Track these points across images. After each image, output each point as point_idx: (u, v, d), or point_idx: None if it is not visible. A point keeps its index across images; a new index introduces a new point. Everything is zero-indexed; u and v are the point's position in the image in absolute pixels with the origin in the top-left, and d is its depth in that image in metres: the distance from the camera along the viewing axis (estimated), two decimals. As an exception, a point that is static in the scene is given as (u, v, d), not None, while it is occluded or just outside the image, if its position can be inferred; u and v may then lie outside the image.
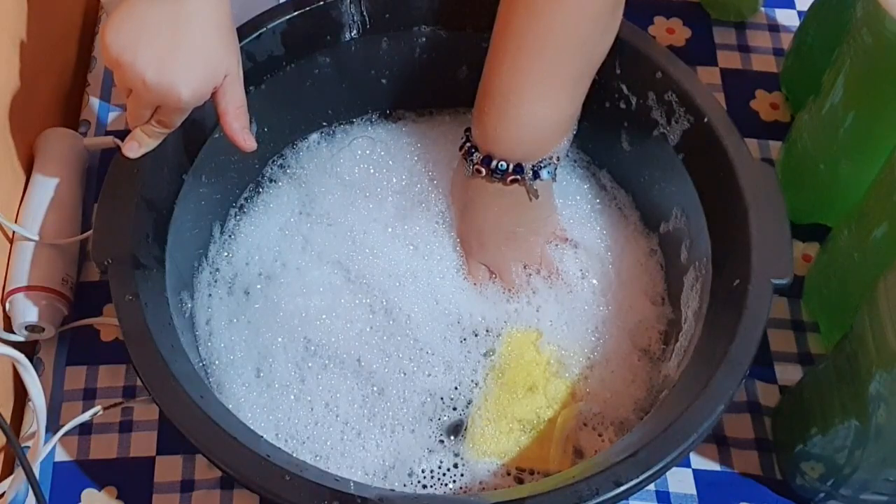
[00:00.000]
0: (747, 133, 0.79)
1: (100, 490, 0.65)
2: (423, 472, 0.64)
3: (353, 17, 0.70)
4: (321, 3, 0.69)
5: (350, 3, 0.70)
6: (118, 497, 0.65)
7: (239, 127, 0.61)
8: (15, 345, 0.66)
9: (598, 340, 0.69)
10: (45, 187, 0.72)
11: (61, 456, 0.67)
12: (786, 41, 0.87)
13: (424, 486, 0.63)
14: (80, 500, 0.65)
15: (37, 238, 0.70)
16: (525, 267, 0.70)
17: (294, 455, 0.60)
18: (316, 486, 0.52)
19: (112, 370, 0.70)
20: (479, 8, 0.69)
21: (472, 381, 0.67)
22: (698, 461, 0.67)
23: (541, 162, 0.65)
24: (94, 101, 0.83)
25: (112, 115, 0.82)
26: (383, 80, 0.76)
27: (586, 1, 0.61)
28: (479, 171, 0.66)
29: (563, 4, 0.60)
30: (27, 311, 0.67)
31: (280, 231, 0.74)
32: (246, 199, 0.75)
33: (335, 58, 0.72)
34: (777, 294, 0.58)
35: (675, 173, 0.67)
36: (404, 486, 0.63)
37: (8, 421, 0.59)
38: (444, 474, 0.64)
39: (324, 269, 0.71)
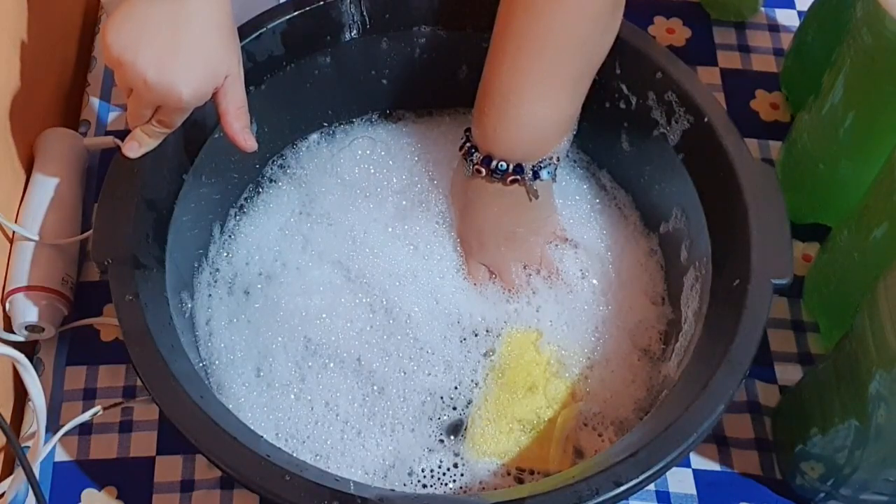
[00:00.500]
0: (747, 133, 0.79)
1: (100, 490, 0.65)
2: (422, 471, 0.64)
3: (353, 17, 0.70)
4: (321, 3, 0.69)
5: (350, 3, 0.70)
6: (118, 497, 0.65)
7: (240, 127, 0.61)
8: (15, 345, 0.66)
9: (598, 340, 0.69)
10: (45, 187, 0.72)
11: (61, 456, 0.67)
12: (786, 41, 0.87)
13: (424, 486, 0.63)
14: (80, 500, 0.65)
15: (37, 238, 0.69)
16: (525, 267, 0.70)
17: (294, 455, 0.60)
18: (316, 486, 0.52)
19: (112, 370, 0.70)
20: (479, 8, 0.69)
21: (472, 380, 0.67)
22: (698, 461, 0.67)
23: (541, 162, 0.65)
24: (94, 101, 0.83)
25: (112, 115, 0.82)
26: (383, 81, 0.76)
27: (586, 1, 0.61)
28: (478, 172, 0.66)
29: (563, 5, 0.60)
30: (27, 311, 0.67)
31: (280, 231, 0.74)
32: (246, 199, 0.75)
33: (335, 58, 0.72)
34: (777, 294, 0.58)
35: (675, 173, 0.67)
36: (404, 485, 0.63)
37: (8, 421, 0.59)
38: (443, 474, 0.64)
39: (324, 269, 0.71)
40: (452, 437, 0.65)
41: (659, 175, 0.70)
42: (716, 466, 0.67)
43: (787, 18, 0.89)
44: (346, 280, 0.71)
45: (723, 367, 0.55)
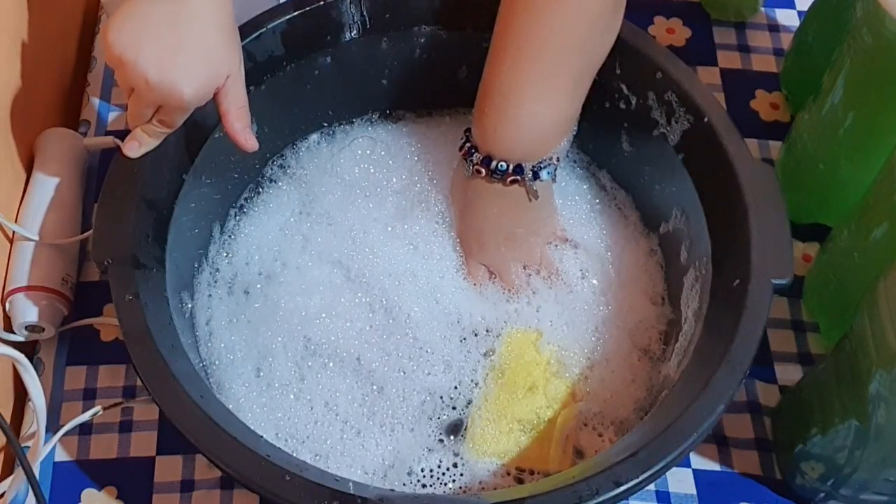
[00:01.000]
0: (747, 133, 0.79)
1: (100, 490, 0.65)
2: (422, 471, 0.64)
3: (353, 17, 0.70)
4: (321, 3, 0.69)
5: (350, 3, 0.70)
6: (118, 497, 0.65)
7: (241, 127, 0.61)
8: (15, 345, 0.66)
9: (598, 340, 0.69)
10: (45, 187, 0.72)
11: (61, 456, 0.67)
12: (786, 41, 0.87)
13: (424, 486, 0.63)
14: (79, 500, 0.65)
15: (37, 238, 0.69)
16: (525, 267, 0.70)
17: (294, 454, 0.60)
18: (316, 486, 0.52)
19: (112, 370, 0.70)
20: (480, 8, 0.69)
21: (472, 380, 0.67)
22: (698, 461, 0.67)
23: (541, 162, 0.65)
24: (94, 101, 0.83)
25: (112, 115, 0.82)
26: (383, 81, 0.76)
27: (587, 1, 0.60)
28: (478, 172, 0.66)
29: (563, 4, 0.60)
30: (27, 311, 0.67)
31: (280, 231, 0.74)
32: (246, 199, 0.75)
33: (335, 58, 0.72)
34: (777, 294, 0.58)
35: (674, 173, 0.67)
36: (404, 485, 0.63)
37: (8, 421, 0.59)
38: (443, 474, 0.64)
39: (324, 269, 0.71)
40: (452, 437, 0.65)
41: (659, 175, 0.70)
42: (716, 466, 0.67)
43: (787, 18, 0.89)
44: (346, 280, 0.71)
45: (723, 367, 0.55)
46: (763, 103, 0.84)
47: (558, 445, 0.64)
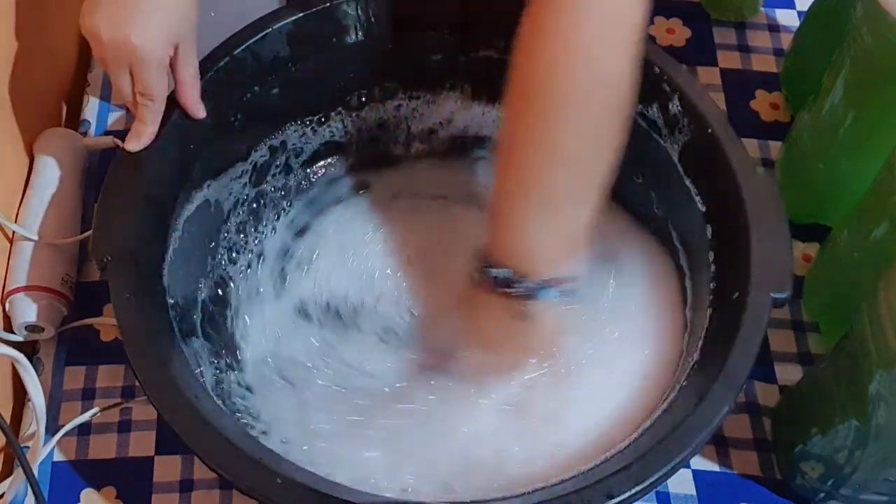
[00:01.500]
0: (747, 133, 0.79)
1: (99, 490, 0.65)
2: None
3: (358, 18, 0.70)
4: (327, 4, 0.69)
5: (356, 5, 0.70)
6: (117, 497, 0.65)
7: (194, 95, 0.64)
8: (15, 345, 0.66)
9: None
10: (45, 187, 0.72)
11: (60, 456, 0.67)
12: (786, 41, 0.87)
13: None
14: (79, 501, 0.65)
15: (36, 238, 0.69)
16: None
17: (288, 458, 0.60)
18: (307, 490, 0.52)
19: (111, 370, 0.70)
20: (488, 12, 0.69)
21: None
22: (698, 462, 0.67)
23: (540, 282, 0.60)
24: (94, 101, 0.83)
25: (112, 116, 0.82)
26: (386, 83, 0.76)
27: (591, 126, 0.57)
28: (475, 278, 0.62)
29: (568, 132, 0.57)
30: (27, 311, 0.67)
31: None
32: (246, 198, 0.75)
33: (340, 60, 0.72)
34: (776, 307, 0.58)
35: (676, 184, 0.67)
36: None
37: (7, 421, 0.59)
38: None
39: (324, 270, 0.72)
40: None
41: (660, 187, 0.70)
42: (715, 467, 0.67)
43: (787, 18, 0.89)
44: (348, 278, 0.71)
45: (719, 380, 0.55)
46: (763, 103, 0.84)
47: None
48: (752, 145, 0.81)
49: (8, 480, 0.64)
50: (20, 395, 0.70)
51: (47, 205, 0.71)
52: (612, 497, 0.51)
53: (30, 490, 0.62)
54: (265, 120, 0.72)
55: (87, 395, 0.69)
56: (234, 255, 0.72)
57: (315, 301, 0.71)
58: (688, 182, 0.66)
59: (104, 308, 0.72)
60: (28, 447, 0.65)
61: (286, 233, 0.75)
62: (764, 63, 0.86)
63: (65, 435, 0.66)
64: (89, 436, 0.67)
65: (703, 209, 0.65)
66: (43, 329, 0.68)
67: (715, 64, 0.86)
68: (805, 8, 0.85)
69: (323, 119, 0.75)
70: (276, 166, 0.75)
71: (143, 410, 0.68)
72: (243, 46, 0.67)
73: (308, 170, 0.77)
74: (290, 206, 0.76)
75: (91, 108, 0.83)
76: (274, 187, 0.75)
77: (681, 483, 0.66)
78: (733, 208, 0.62)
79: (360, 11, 0.70)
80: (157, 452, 0.67)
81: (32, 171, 0.74)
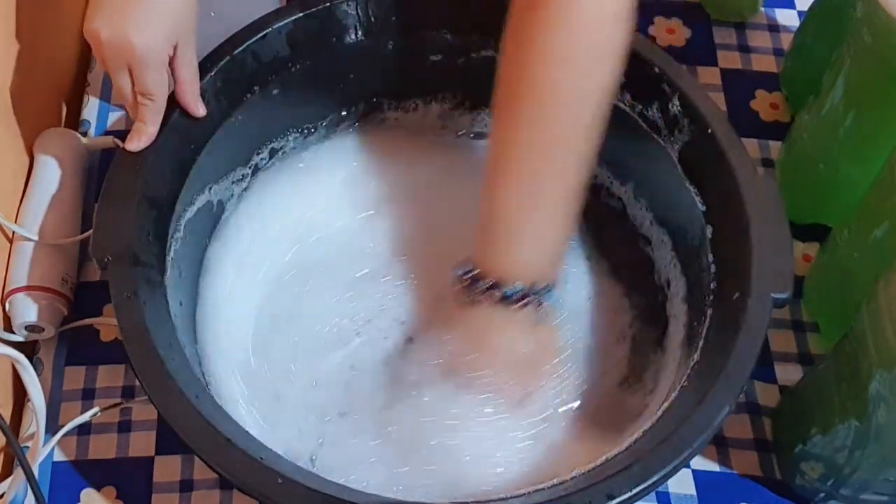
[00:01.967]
0: (747, 133, 0.79)
1: (99, 490, 0.65)
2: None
3: (358, 18, 0.70)
4: (327, 4, 0.69)
5: (356, 5, 0.70)
6: (117, 497, 0.65)
7: (193, 95, 0.64)
8: (15, 345, 0.66)
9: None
10: (45, 187, 0.72)
11: (60, 456, 0.66)
12: (786, 41, 0.87)
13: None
14: (79, 501, 0.65)
15: (36, 238, 0.69)
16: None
17: (290, 458, 0.60)
18: (308, 490, 0.52)
19: (111, 370, 0.70)
20: (486, 12, 0.68)
21: None
22: (698, 462, 0.67)
23: (544, 286, 0.62)
24: (94, 101, 0.83)
25: (112, 116, 0.82)
26: (388, 83, 0.76)
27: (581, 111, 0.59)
28: (480, 301, 0.63)
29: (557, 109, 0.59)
30: (27, 311, 0.67)
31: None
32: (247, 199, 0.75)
33: (340, 59, 0.72)
34: (777, 308, 0.58)
35: (676, 185, 0.67)
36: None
37: (7, 421, 0.59)
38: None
39: (326, 271, 0.72)
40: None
41: (660, 188, 0.70)
42: (715, 467, 0.67)
43: (787, 18, 0.89)
44: (349, 283, 0.71)
45: (719, 381, 0.55)
46: (763, 103, 0.84)
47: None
48: (752, 145, 0.81)
49: (8, 480, 0.64)
50: (20, 395, 0.70)
51: (47, 205, 0.71)
52: (612, 497, 0.51)
53: (30, 490, 0.62)
54: (266, 120, 0.72)
55: (87, 395, 0.69)
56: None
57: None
58: (688, 182, 0.66)
59: (104, 308, 0.72)
60: (28, 447, 0.65)
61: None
62: (764, 63, 0.86)
63: (65, 435, 0.66)
64: (89, 436, 0.67)
65: (703, 209, 0.65)
66: (43, 329, 0.68)
67: (715, 64, 0.86)
68: (805, 8, 0.85)
69: (323, 121, 0.76)
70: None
71: (143, 410, 0.68)
72: (243, 46, 0.67)
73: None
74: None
75: (91, 108, 0.83)
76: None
77: (681, 483, 0.66)
78: (733, 208, 0.62)
79: (360, 11, 0.70)
80: (157, 452, 0.67)
81: (32, 171, 0.73)
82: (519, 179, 0.61)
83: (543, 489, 0.56)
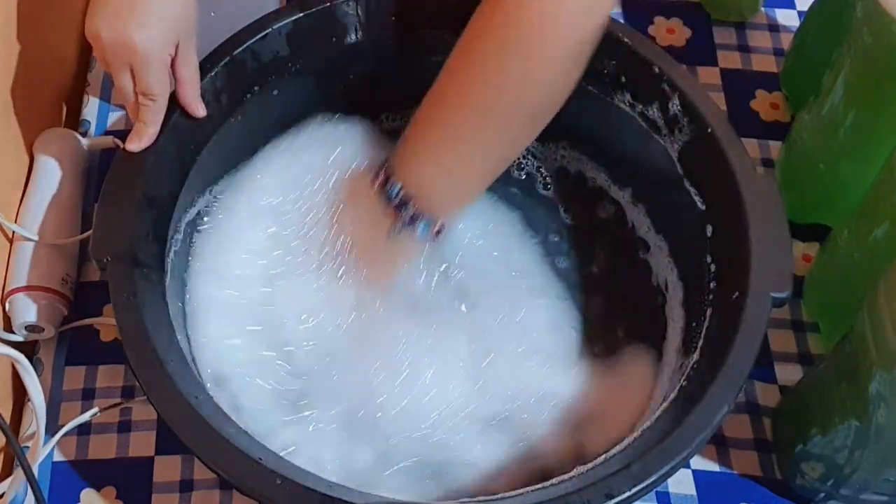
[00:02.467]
0: (747, 133, 0.79)
1: (99, 490, 0.65)
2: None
3: (358, 19, 0.70)
4: (327, 4, 0.69)
5: (356, 5, 0.70)
6: (117, 497, 0.65)
7: (194, 96, 0.64)
8: (15, 345, 0.66)
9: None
10: (45, 187, 0.72)
11: (60, 456, 0.67)
12: (786, 41, 0.87)
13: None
14: (79, 501, 0.65)
15: (36, 238, 0.70)
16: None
17: (290, 458, 0.60)
18: (307, 490, 0.52)
19: (111, 370, 0.70)
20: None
21: None
22: (698, 462, 0.67)
23: (424, 216, 0.64)
24: (94, 101, 0.83)
25: (112, 116, 0.82)
26: (388, 83, 0.76)
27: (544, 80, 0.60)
28: (374, 183, 0.65)
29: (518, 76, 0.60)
30: (27, 311, 0.67)
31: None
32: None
33: (340, 59, 0.72)
34: (776, 307, 0.58)
35: (675, 185, 0.67)
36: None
37: (7, 421, 0.59)
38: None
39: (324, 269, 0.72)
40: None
41: (659, 184, 0.70)
42: (715, 467, 0.67)
43: (787, 18, 0.89)
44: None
45: (719, 380, 0.55)
46: (763, 103, 0.84)
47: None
48: (752, 145, 0.81)
49: (8, 480, 0.64)
50: (20, 395, 0.70)
51: (47, 205, 0.71)
52: (611, 497, 0.51)
53: (30, 490, 0.62)
54: (266, 120, 0.72)
55: (87, 395, 0.69)
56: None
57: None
58: (687, 182, 0.66)
59: (104, 308, 0.72)
60: (28, 447, 0.65)
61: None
62: (764, 63, 0.86)
63: (65, 435, 0.66)
64: (89, 436, 0.67)
65: (703, 209, 0.65)
66: (43, 329, 0.68)
67: (715, 64, 0.86)
68: (805, 8, 0.85)
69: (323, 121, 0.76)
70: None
71: (143, 410, 0.68)
72: (243, 46, 0.67)
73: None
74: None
75: (91, 108, 0.83)
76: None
77: (681, 483, 0.66)
78: (733, 208, 0.62)
79: (360, 11, 0.70)
80: (157, 452, 0.67)
81: (32, 171, 0.74)
82: (451, 117, 0.62)
83: (543, 488, 0.56)
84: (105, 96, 0.83)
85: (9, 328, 0.68)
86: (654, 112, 0.68)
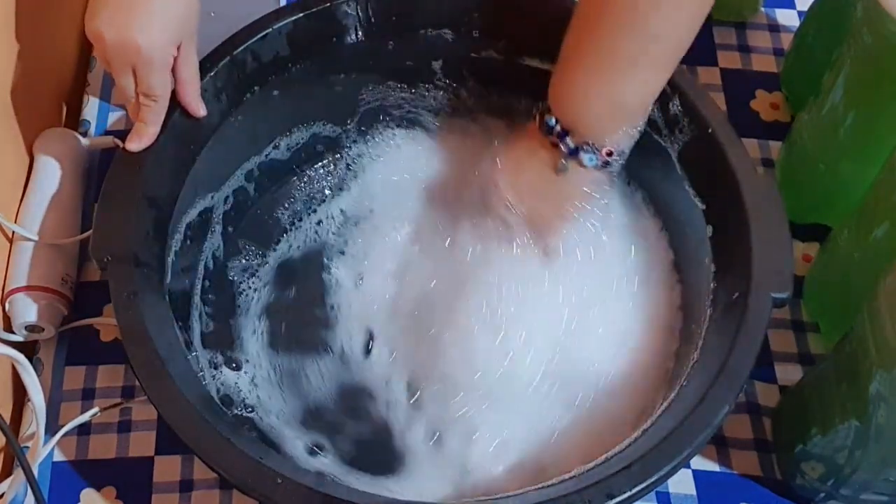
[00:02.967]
0: (747, 133, 0.79)
1: (99, 490, 0.65)
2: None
3: (358, 19, 0.70)
4: (327, 4, 0.69)
5: (356, 5, 0.70)
6: (117, 497, 0.65)
7: (195, 95, 0.64)
8: (15, 345, 0.66)
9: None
10: (45, 187, 0.72)
11: (60, 456, 0.67)
12: (786, 41, 0.87)
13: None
14: (79, 501, 0.65)
15: (36, 238, 0.69)
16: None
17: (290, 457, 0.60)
18: (307, 490, 0.52)
19: (111, 370, 0.70)
20: (487, 12, 0.68)
21: None
22: (698, 462, 0.67)
23: (586, 144, 0.63)
24: (94, 101, 0.83)
25: (112, 116, 0.82)
26: (388, 83, 0.76)
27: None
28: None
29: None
30: (27, 311, 0.67)
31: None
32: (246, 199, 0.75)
33: (340, 60, 0.72)
34: (777, 308, 0.58)
35: (676, 185, 0.67)
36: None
37: (7, 421, 0.59)
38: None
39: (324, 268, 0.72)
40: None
41: (661, 187, 0.70)
42: (715, 467, 0.67)
43: (787, 18, 0.89)
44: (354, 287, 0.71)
45: (719, 380, 0.55)
46: (763, 103, 0.84)
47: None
48: (752, 145, 0.81)
49: (8, 480, 0.64)
50: (20, 395, 0.70)
51: (47, 205, 0.71)
52: (612, 497, 0.51)
53: (30, 490, 0.62)
54: (266, 121, 0.72)
55: (87, 395, 0.69)
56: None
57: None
58: (687, 182, 0.66)
59: (104, 308, 0.72)
60: (28, 447, 0.65)
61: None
62: (764, 63, 0.86)
63: (65, 435, 0.66)
64: (89, 436, 0.67)
65: (703, 209, 0.65)
66: (43, 329, 0.68)
67: (715, 64, 0.86)
68: (805, 8, 0.85)
69: (324, 122, 0.76)
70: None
71: (143, 410, 0.68)
72: (243, 46, 0.67)
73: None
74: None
75: (91, 108, 0.83)
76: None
77: (681, 483, 0.66)
78: (733, 208, 0.61)
79: (360, 11, 0.70)
80: (157, 452, 0.67)
81: (32, 170, 0.74)
82: (598, 44, 0.60)
83: (543, 488, 0.56)
84: (105, 96, 0.83)
85: (9, 328, 0.68)
86: (654, 112, 0.68)
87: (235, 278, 0.72)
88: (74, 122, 0.83)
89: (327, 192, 0.77)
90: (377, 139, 0.77)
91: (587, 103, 0.62)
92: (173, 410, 0.54)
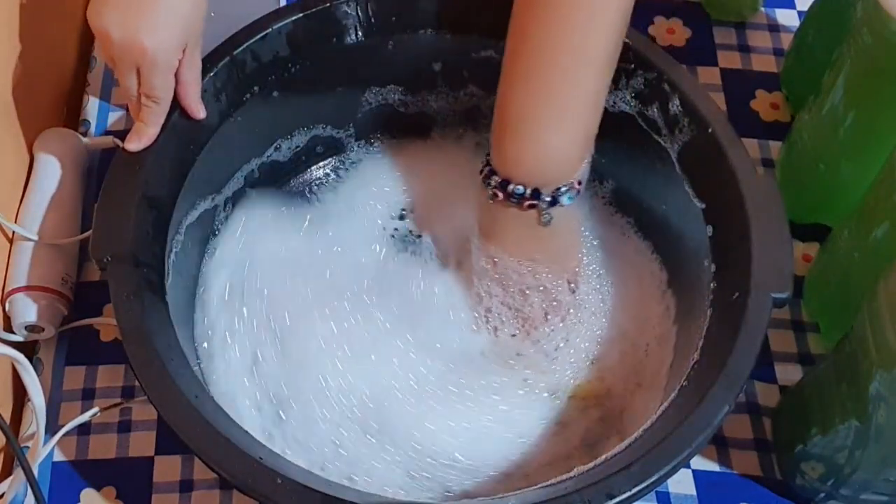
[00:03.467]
0: (747, 133, 0.79)
1: (99, 490, 0.65)
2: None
3: (358, 19, 0.70)
4: (327, 4, 0.69)
5: (356, 5, 0.70)
6: (117, 497, 0.65)
7: (196, 97, 0.64)
8: (14, 345, 0.66)
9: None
10: (45, 187, 0.72)
11: (60, 456, 0.67)
12: (786, 41, 0.87)
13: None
14: (79, 501, 0.65)
15: (36, 238, 0.69)
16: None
17: (289, 457, 0.60)
18: (307, 490, 0.51)
19: (111, 370, 0.70)
20: (487, 12, 0.68)
21: None
22: (698, 462, 0.67)
23: (560, 188, 0.62)
24: (94, 101, 0.83)
25: (112, 116, 0.82)
26: (389, 84, 0.76)
27: (598, 16, 0.59)
28: (496, 195, 0.63)
29: (573, 21, 0.58)
30: (27, 311, 0.67)
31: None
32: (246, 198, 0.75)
33: (340, 60, 0.72)
34: (777, 308, 0.58)
35: (675, 185, 0.67)
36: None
37: (7, 421, 0.59)
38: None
39: (328, 268, 0.72)
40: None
41: (659, 187, 0.70)
42: (715, 467, 0.67)
43: (787, 18, 0.89)
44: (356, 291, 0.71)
45: (719, 380, 0.55)
46: (763, 103, 0.84)
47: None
48: (752, 145, 0.81)
49: (8, 480, 0.64)
50: (20, 395, 0.70)
51: (47, 205, 0.71)
52: (612, 497, 0.51)
53: (30, 490, 0.62)
54: (265, 121, 0.72)
55: (87, 395, 0.69)
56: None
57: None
58: (687, 182, 0.66)
59: (104, 308, 0.72)
60: (28, 447, 0.65)
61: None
62: (764, 63, 0.86)
63: (65, 435, 0.66)
64: (89, 436, 0.67)
65: (703, 209, 0.65)
66: (43, 329, 0.68)
67: (715, 64, 0.86)
68: (805, 8, 0.85)
69: (324, 125, 0.76)
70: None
71: (143, 410, 0.68)
72: (243, 46, 0.67)
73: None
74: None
75: (91, 108, 0.83)
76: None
77: (681, 483, 0.66)
78: (733, 208, 0.61)
79: (360, 11, 0.70)
80: (157, 452, 0.67)
81: (32, 170, 0.74)
82: (526, 79, 0.60)
83: (543, 488, 0.56)
84: (105, 96, 0.83)
85: (9, 328, 0.68)
86: (654, 112, 0.68)
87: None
88: (74, 121, 0.83)
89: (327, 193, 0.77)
90: (376, 145, 0.78)
91: (524, 153, 0.61)
92: (173, 410, 0.54)
